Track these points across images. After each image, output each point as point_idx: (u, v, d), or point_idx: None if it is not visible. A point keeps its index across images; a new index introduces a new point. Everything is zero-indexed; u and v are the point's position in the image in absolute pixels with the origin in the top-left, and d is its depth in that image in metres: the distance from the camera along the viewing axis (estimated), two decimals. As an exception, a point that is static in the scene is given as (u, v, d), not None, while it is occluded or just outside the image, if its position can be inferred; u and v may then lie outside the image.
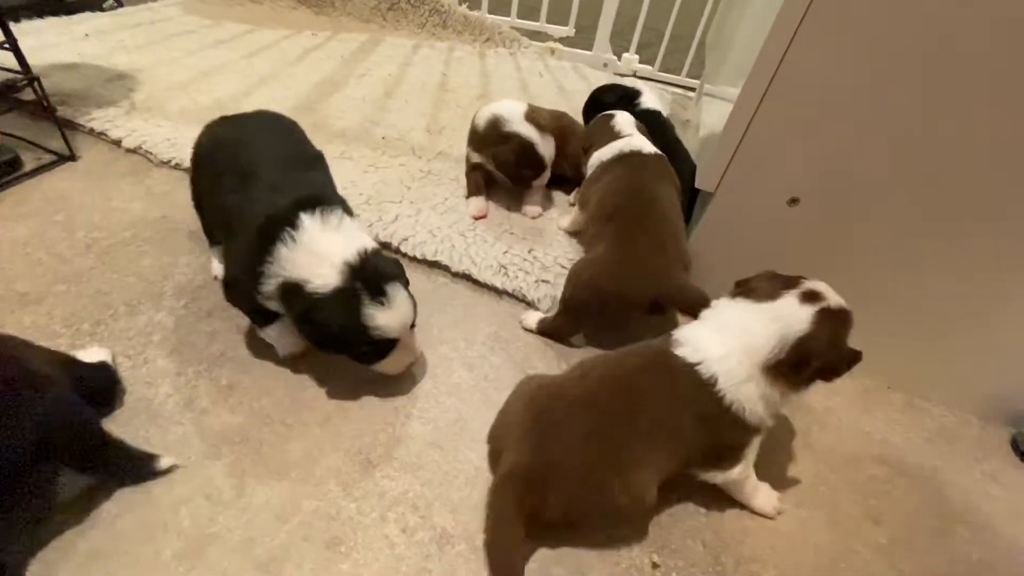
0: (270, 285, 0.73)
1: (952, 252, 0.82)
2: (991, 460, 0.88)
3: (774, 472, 0.80)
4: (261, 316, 0.81)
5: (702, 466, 0.69)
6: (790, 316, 0.64)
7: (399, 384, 0.84)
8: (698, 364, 0.65)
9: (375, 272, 0.74)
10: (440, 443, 0.77)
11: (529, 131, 1.17)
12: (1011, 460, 0.89)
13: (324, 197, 0.79)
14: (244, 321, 0.89)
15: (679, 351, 0.67)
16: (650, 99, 1.38)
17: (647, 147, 1.05)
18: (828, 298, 0.65)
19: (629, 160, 1.03)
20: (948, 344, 0.90)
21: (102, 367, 0.77)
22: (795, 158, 0.82)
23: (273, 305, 0.76)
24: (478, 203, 1.23)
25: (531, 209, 1.25)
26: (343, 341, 0.74)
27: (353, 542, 0.66)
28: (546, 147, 1.19)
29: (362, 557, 0.64)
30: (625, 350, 0.72)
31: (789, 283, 0.67)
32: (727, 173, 0.87)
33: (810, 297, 0.65)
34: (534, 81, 1.98)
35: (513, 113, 1.18)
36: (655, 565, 0.68)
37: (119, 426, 0.73)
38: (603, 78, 2.09)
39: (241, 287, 0.77)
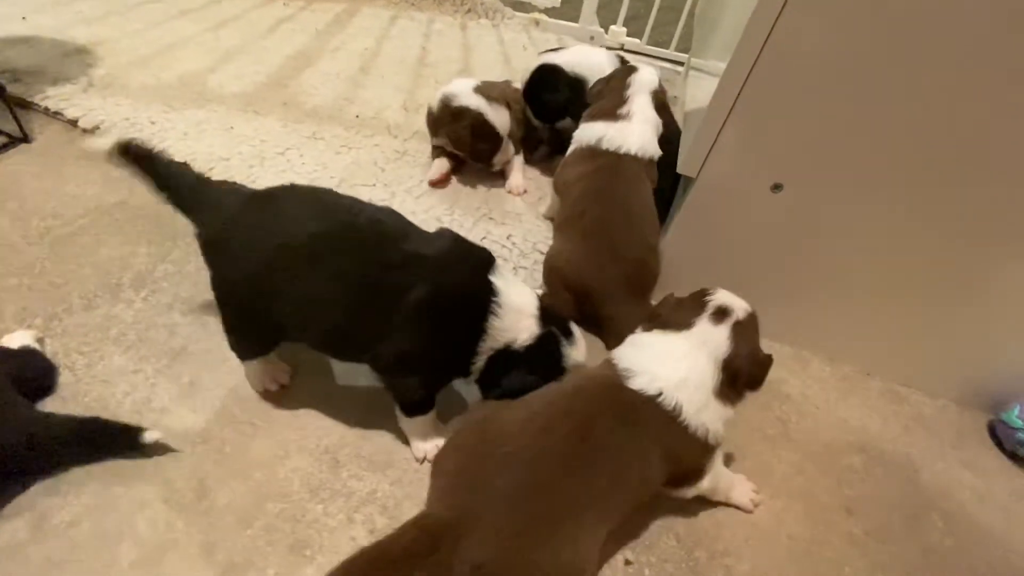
0: (479, 362, 0.68)
1: (932, 239, 0.80)
2: (968, 447, 0.88)
3: (751, 463, 0.79)
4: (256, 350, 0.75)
5: (670, 488, 0.67)
6: (712, 340, 0.64)
7: (366, 381, 0.81)
8: (659, 396, 0.61)
9: (550, 309, 0.72)
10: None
11: (479, 103, 1.14)
12: (988, 446, 0.89)
13: (475, 250, 0.73)
14: (207, 315, 0.86)
15: (634, 384, 0.62)
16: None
17: (633, 143, 0.95)
18: (735, 309, 0.66)
19: (605, 157, 0.95)
20: (927, 331, 0.89)
21: (30, 353, 0.75)
22: (779, 143, 0.79)
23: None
24: (439, 165, 1.20)
25: (514, 184, 1.22)
26: (541, 385, 0.68)
27: (319, 545, 0.64)
28: (498, 117, 1.15)
29: (328, 560, 0.63)
30: (570, 385, 0.66)
31: (696, 305, 0.67)
32: (709, 158, 0.83)
33: (720, 315, 0.65)
34: (517, 54, 1.91)
35: (461, 88, 1.16)
36: (628, 562, 0.67)
37: (74, 428, 0.70)
38: (588, 51, 2.03)
39: (441, 378, 0.72)
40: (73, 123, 1.21)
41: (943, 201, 0.76)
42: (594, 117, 1.01)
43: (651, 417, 0.61)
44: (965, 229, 0.78)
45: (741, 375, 0.63)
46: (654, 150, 0.98)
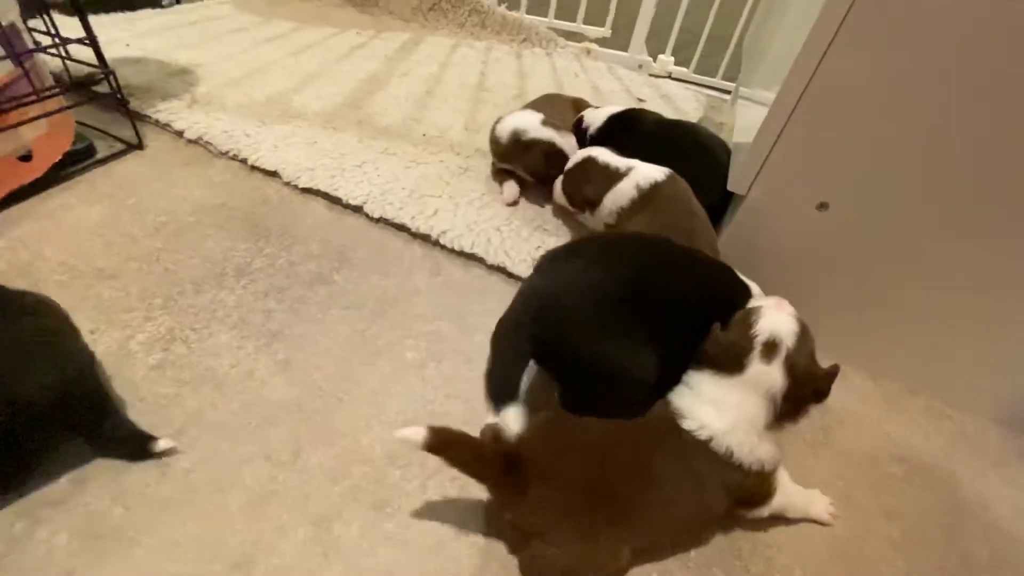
0: None
1: (980, 259, 0.84)
2: (1009, 465, 0.90)
3: (791, 465, 0.83)
4: None
5: (742, 510, 0.71)
6: (766, 381, 0.66)
7: (438, 367, 0.90)
8: (710, 440, 0.65)
9: None
10: (475, 421, 0.83)
11: (549, 134, 1.26)
12: (1031, 467, 0.90)
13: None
14: (297, 304, 0.97)
15: (686, 425, 0.66)
16: (601, 113, 1.37)
17: (657, 172, 1.04)
18: (783, 338, 0.67)
19: (649, 199, 1.02)
20: (972, 350, 0.92)
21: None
22: (826, 163, 0.85)
23: None
24: (512, 188, 1.31)
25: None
26: None
27: (397, 505, 0.72)
28: (568, 144, 1.27)
29: (405, 520, 0.71)
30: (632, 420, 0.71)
31: (744, 339, 0.68)
32: (758, 176, 0.90)
33: (771, 350, 0.66)
34: (569, 81, 2.02)
35: (529, 122, 1.28)
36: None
37: (190, 391, 0.81)
38: (638, 79, 2.13)
39: None
40: (179, 134, 1.38)
41: (988, 220, 0.80)
42: (608, 189, 1.09)
43: (705, 458, 0.65)
44: (1013, 249, 0.81)
45: (802, 404, 0.67)
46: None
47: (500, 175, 1.36)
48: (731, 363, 0.68)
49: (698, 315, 0.74)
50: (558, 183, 1.21)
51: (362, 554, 0.68)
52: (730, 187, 0.95)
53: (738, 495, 0.67)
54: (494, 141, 1.33)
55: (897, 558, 0.75)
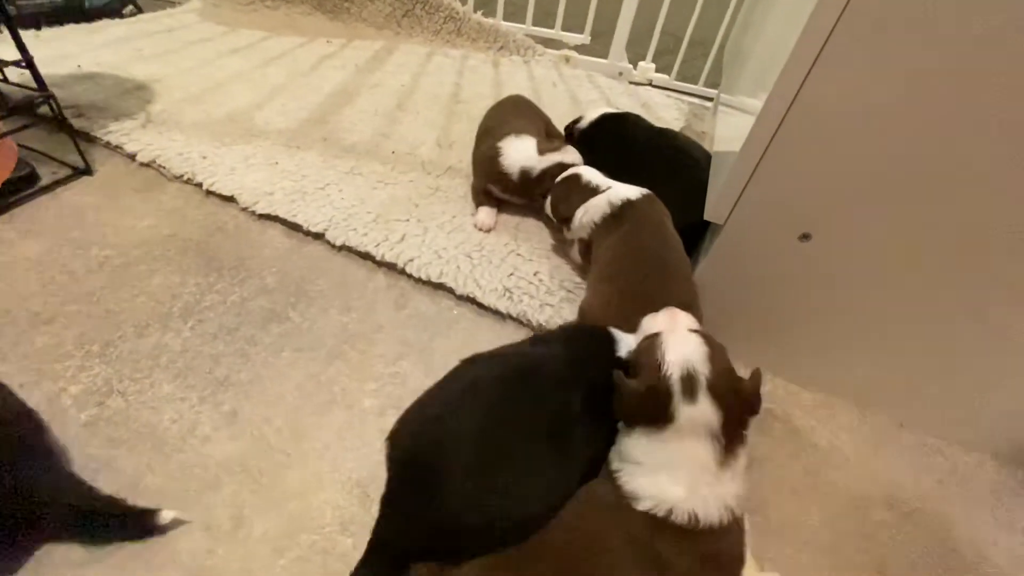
0: None
1: (966, 290, 0.79)
2: (1005, 505, 0.85)
3: (779, 516, 0.78)
4: None
5: None
6: (701, 421, 0.60)
7: (397, 414, 0.84)
8: (669, 515, 0.57)
9: None
10: (438, 476, 0.77)
11: (554, 159, 1.18)
12: (1026, 505, 0.86)
13: None
14: (247, 345, 0.91)
15: (642, 507, 0.58)
16: (591, 113, 1.36)
17: (633, 192, 1.00)
18: (696, 364, 0.61)
19: (623, 218, 0.98)
20: (961, 381, 0.87)
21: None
22: (809, 192, 0.80)
23: None
24: (488, 215, 1.24)
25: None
26: None
27: (348, 579, 0.66)
28: (570, 155, 1.21)
29: (356, 595, 0.65)
30: (568, 520, 0.61)
31: (658, 382, 0.61)
32: (737, 205, 0.85)
33: (691, 385, 0.60)
34: (547, 91, 1.96)
35: (530, 157, 1.20)
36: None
37: (126, 452, 0.75)
38: (617, 88, 2.07)
39: None
40: (132, 157, 1.30)
41: (975, 253, 0.76)
42: (581, 203, 1.05)
43: (667, 536, 0.57)
44: (998, 280, 0.77)
45: (741, 427, 0.61)
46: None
47: (480, 197, 1.28)
48: (657, 414, 0.61)
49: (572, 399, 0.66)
50: (549, 199, 1.15)
51: (307, 640, 0.61)
52: (707, 216, 0.90)
53: (714, 571, 0.60)
54: (492, 166, 1.23)
55: (889, 618, 0.70)
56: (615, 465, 0.64)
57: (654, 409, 0.61)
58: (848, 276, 0.84)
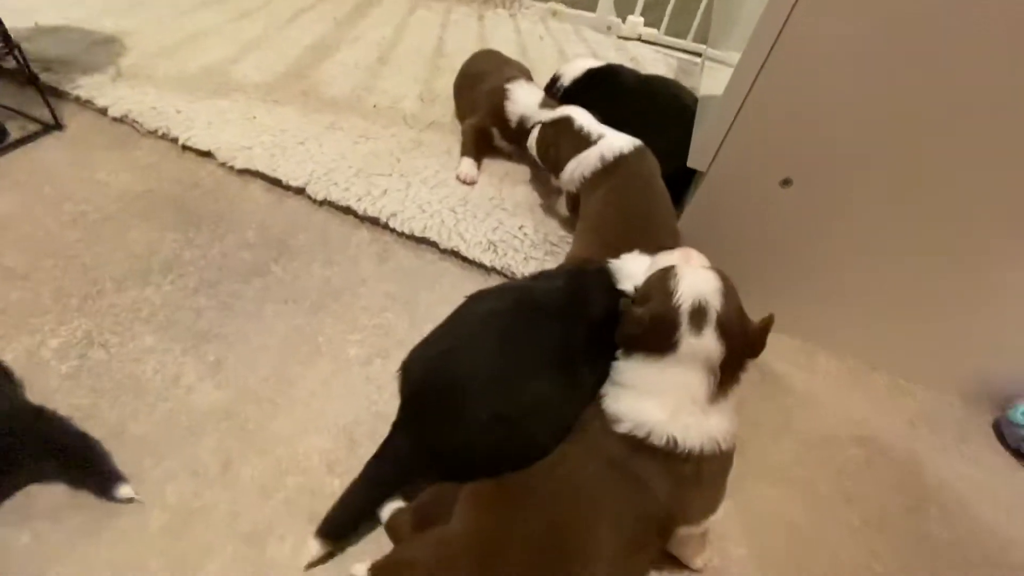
0: None
1: (940, 236, 0.80)
2: (971, 443, 0.89)
3: (754, 454, 0.81)
4: None
5: (687, 523, 0.62)
6: (702, 353, 0.59)
7: (384, 364, 0.84)
8: (648, 436, 0.58)
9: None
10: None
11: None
12: (991, 443, 0.90)
13: None
14: (230, 299, 0.90)
15: (620, 429, 0.60)
16: (577, 66, 1.31)
17: (626, 144, 0.97)
18: (709, 297, 0.60)
19: (615, 173, 0.96)
20: (934, 326, 0.89)
21: None
22: (790, 137, 0.80)
23: None
24: (470, 167, 1.22)
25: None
26: None
27: (335, 517, 0.68)
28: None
29: (343, 532, 0.67)
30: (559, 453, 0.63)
31: (667, 310, 0.60)
32: (719, 152, 0.85)
33: (700, 317, 0.60)
34: (534, 45, 1.91)
35: (531, 105, 1.19)
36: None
37: (109, 401, 0.75)
38: (605, 43, 2.02)
39: None
40: (103, 112, 1.26)
41: (951, 198, 0.77)
42: (575, 153, 1.01)
43: (644, 456, 0.58)
44: (973, 226, 0.78)
45: (741, 360, 0.61)
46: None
47: (474, 141, 1.25)
48: (660, 342, 0.60)
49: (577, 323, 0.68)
50: (534, 133, 1.11)
51: (296, 572, 0.63)
52: (690, 164, 0.89)
53: (697, 491, 0.61)
54: (502, 116, 1.21)
55: (856, 544, 0.74)
56: (604, 389, 0.65)
57: (658, 336, 0.61)
58: (827, 223, 0.85)
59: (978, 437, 0.90)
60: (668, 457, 0.58)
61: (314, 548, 0.63)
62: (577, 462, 0.61)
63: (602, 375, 0.67)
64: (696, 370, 0.60)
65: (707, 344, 0.59)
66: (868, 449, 0.85)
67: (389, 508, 0.66)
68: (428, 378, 0.66)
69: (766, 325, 0.61)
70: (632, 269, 0.73)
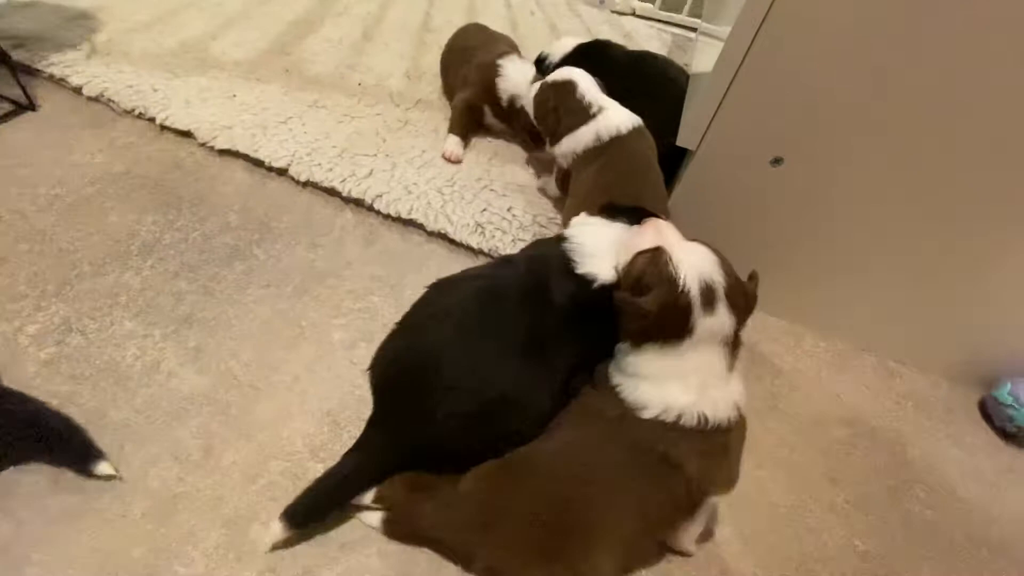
0: None
1: (929, 217, 0.79)
2: (957, 422, 0.89)
3: (738, 434, 0.81)
4: None
5: (716, 494, 0.63)
6: (719, 330, 0.60)
7: (369, 348, 0.83)
8: (680, 418, 0.59)
9: None
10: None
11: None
12: (977, 422, 0.90)
13: None
14: (211, 283, 0.89)
15: (648, 415, 0.60)
16: (565, 43, 1.29)
17: (623, 122, 0.94)
18: (712, 274, 0.60)
19: (608, 152, 0.93)
20: (921, 307, 0.89)
21: None
22: (780, 116, 0.78)
23: None
24: (457, 143, 1.19)
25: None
26: None
27: (319, 502, 0.67)
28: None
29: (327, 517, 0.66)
30: (563, 434, 0.64)
31: (677, 297, 0.59)
32: (709, 130, 0.83)
33: (710, 296, 0.59)
34: (524, 19, 1.87)
35: (520, 84, 1.16)
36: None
37: (89, 388, 0.74)
38: (599, 17, 1.98)
39: None
40: (77, 90, 1.22)
41: (940, 179, 0.75)
42: (575, 125, 0.98)
43: (676, 438, 0.58)
44: (962, 208, 0.77)
45: (745, 319, 0.62)
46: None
47: (464, 118, 1.22)
48: (674, 330, 0.59)
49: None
50: (533, 89, 1.07)
51: (279, 557, 0.63)
52: (680, 142, 0.87)
53: (722, 464, 0.61)
54: (493, 92, 1.19)
55: (839, 525, 0.74)
56: (616, 380, 0.64)
57: (671, 324, 0.60)
58: (817, 202, 0.84)
59: (964, 416, 0.91)
60: (699, 434, 0.58)
61: (277, 530, 0.62)
62: (588, 445, 0.62)
63: (577, 357, 0.67)
64: (715, 346, 0.60)
65: (722, 320, 0.60)
66: (854, 430, 0.85)
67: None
68: (394, 375, 0.67)
69: (755, 282, 0.63)
70: (593, 245, 0.70)
